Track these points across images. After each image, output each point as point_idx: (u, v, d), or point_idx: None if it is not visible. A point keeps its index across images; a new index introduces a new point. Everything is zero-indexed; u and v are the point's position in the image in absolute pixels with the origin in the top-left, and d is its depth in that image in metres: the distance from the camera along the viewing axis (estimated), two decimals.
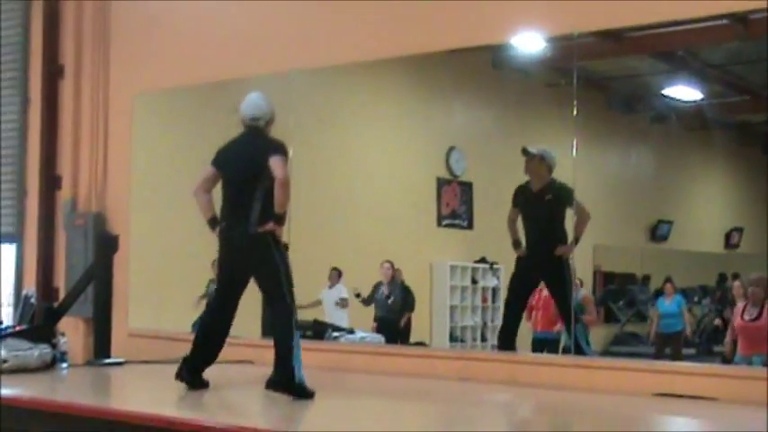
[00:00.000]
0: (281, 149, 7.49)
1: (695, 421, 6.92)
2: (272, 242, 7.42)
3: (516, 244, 9.09)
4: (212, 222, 7.68)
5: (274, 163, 7.37)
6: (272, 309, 7.61)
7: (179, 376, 7.67)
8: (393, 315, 10.54)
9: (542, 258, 8.97)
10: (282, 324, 7.39)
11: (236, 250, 7.57)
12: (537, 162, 9.06)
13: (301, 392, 7.22)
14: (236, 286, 7.72)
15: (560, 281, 8.81)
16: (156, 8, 10.91)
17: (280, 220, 7.41)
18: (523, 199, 9.14)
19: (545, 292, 9.22)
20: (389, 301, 10.54)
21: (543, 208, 9.06)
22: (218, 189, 7.77)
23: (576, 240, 8.75)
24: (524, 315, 9.33)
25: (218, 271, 7.79)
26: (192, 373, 7.66)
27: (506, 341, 9.18)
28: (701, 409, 7.00)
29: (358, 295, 10.61)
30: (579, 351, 8.53)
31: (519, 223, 9.10)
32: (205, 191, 7.79)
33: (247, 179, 7.52)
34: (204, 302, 10.00)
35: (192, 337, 9.91)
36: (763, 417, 6.17)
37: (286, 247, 7.58)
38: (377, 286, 10.65)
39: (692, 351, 9.74)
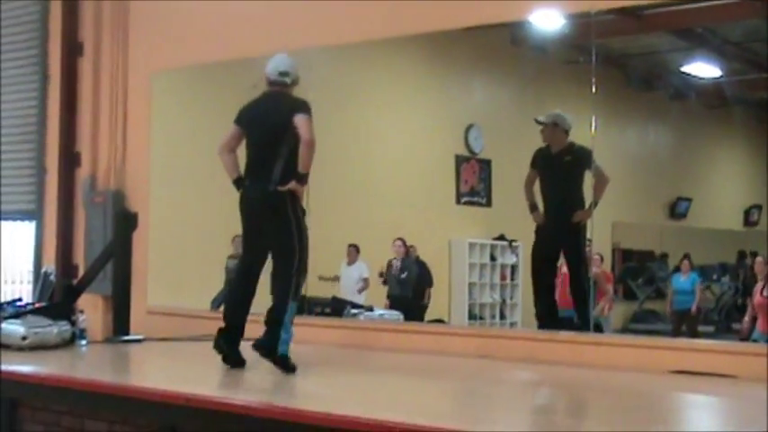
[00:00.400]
0: (305, 108, 7.44)
1: (713, 399, 6.90)
2: (289, 201, 7.37)
3: (533, 207, 9.05)
4: (237, 182, 7.64)
5: (300, 122, 7.34)
6: (276, 273, 7.55)
7: (217, 346, 7.63)
8: (406, 292, 10.55)
9: (560, 225, 8.92)
10: (281, 290, 7.38)
11: (255, 208, 7.54)
12: (551, 129, 9.05)
13: (283, 365, 7.22)
14: (258, 248, 7.65)
15: (575, 250, 8.79)
16: None
17: (302, 179, 7.38)
18: (542, 161, 9.10)
19: (564, 269, 9.20)
20: (402, 277, 10.54)
21: (562, 169, 9.02)
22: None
23: (595, 204, 8.69)
24: None
25: (243, 231, 7.73)
26: (229, 345, 7.60)
27: (547, 317, 8.98)
28: (719, 386, 6.98)
29: (381, 274, 10.62)
30: (598, 328, 8.54)
31: (536, 188, 9.06)
32: (229, 150, 7.76)
33: (271, 137, 7.49)
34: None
35: (212, 314, 10.02)
36: None
37: (303, 211, 7.53)
38: (389, 264, 10.66)
39: (710, 329, 9.74)
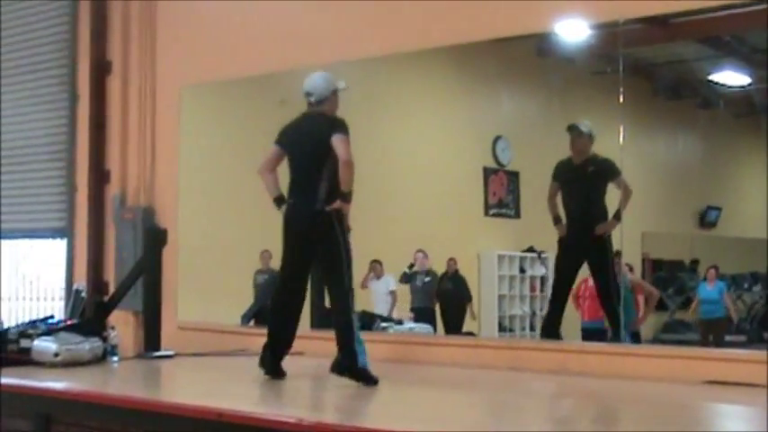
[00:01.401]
0: (342, 128, 7.54)
1: (745, 409, 6.86)
2: (336, 220, 7.49)
3: (556, 220, 9.06)
4: (278, 201, 7.77)
5: (337, 142, 7.44)
6: (330, 290, 7.68)
7: (262, 363, 7.75)
8: (428, 303, 10.55)
9: (583, 237, 8.92)
10: (341, 306, 7.47)
11: (301, 227, 7.64)
12: (586, 139, 9.04)
13: (365, 378, 7.28)
14: (303, 265, 7.79)
15: (602, 262, 8.78)
16: (201, 1, 10.95)
17: (346, 198, 7.49)
18: (564, 172, 9.10)
19: (591, 282, 9.18)
20: (423, 288, 10.55)
21: (585, 181, 9.01)
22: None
23: (618, 217, 8.69)
24: (572, 303, 9.31)
25: (284, 250, 7.81)
26: (273, 361, 7.73)
27: (550, 329, 9.17)
28: (751, 396, 6.95)
29: (404, 277, 10.65)
30: (635, 340, 8.52)
31: (559, 200, 9.06)
32: (270, 170, 7.89)
33: (312, 158, 7.60)
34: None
35: (242, 329, 10.05)
36: None
37: (348, 228, 7.63)
38: (413, 276, 10.66)
39: (742, 338, 9.68)
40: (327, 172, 7.53)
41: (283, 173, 7.89)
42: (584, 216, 8.94)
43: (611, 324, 8.70)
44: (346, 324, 7.39)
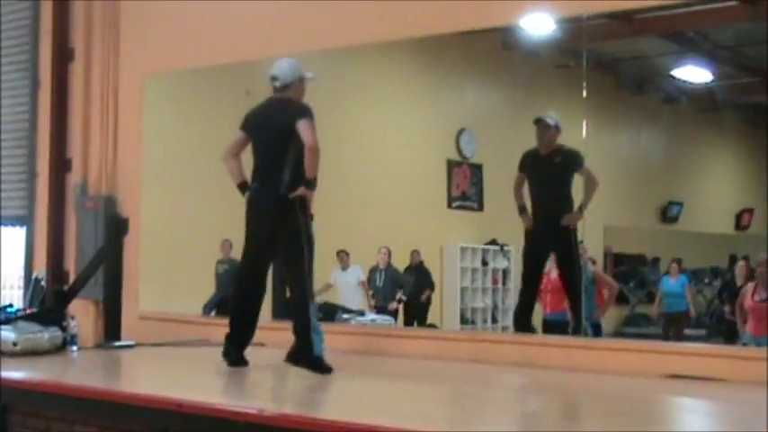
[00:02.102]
0: (307, 113, 7.53)
1: (705, 402, 6.90)
2: (299, 207, 7.45)
3: (522, 209, 9.07)
4: (242, 187, 7.73)
5: (302, 127, 7.42)
6: (289, 279, 7.66)
7: (226, 354, 7.71)
8: (386, 303, 10.57)
9: (550, 228, 8.93)
10: (298, 294, 7.45)
11: (264, 213, 7.60)
12: (553, 130, 9.05)
13: (319, 367, 7.25)
14: (265, 252, 7.75)
15: (567, 254, 8.80)
16: None
17: (310, 185, 7.45)
18: (531, 162, 9.11)
19: (554, 275, 9.21)
20: (379, 285, 10.58)
21: (552, 171, 9.02)
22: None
23: (583, 207, 8.71)
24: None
25: (246, 235, 7.77)
26: (236, 350, 7.70)
27: (523, 321, 9.17)
28: (710, 389, 6.99)
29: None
30: (596, 331, 8.55)
31: (525, 191, 9.08)
32: (234, 156, 7.85)
33: (277, 144, 7.57)
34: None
35: (203, 319, 10.02)
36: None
37: (311, 216, 7.59)
38: (372, 272, 10.67)
39: (702, 332, 9.75)
40: (292, 157, 7.49)
41: (247, 160, 7.85)
42: (551, 206, 8.96)
43: (573, 315, 8.71)
44: (303, 312, 7.36)
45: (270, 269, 7.91)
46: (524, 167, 9.13)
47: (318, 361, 7.29)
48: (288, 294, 7.89)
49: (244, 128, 7.86)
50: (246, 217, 7.71)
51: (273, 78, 7.77)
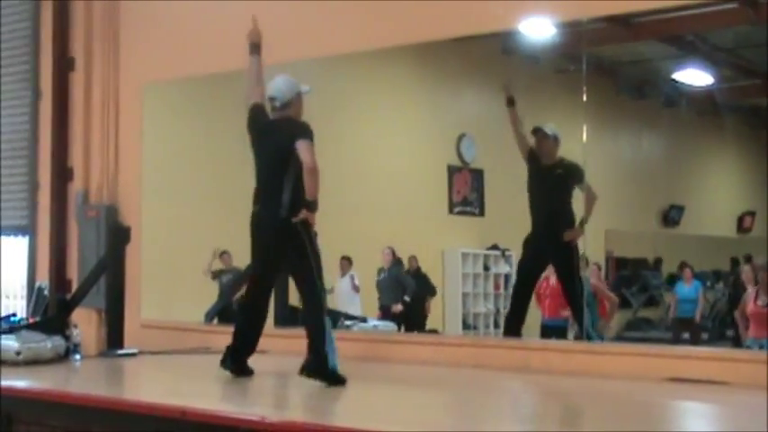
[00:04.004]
0: (306, 133, 7.49)
1: (707, 406, 6.90)
2: (303, 229, 7.41)
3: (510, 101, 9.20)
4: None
5: (301, 147, 7.39)
6: (302, 295, 7.64)
7: (223, 364, 7.72)
8: (390, 302, 10.58)
9: (550, 242, 8.93)
10: (313, 310, 7.43)
11: (268, 237, 7.59)
12: (551, 142, 9.06)
13: (333, 379, 7.24)
14: (270, 271, 7.78)
15: (568, 267, 8.79)
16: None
17: (311, 206, 7.42)
18: (534, 167, 9.10)
19: (552, 280, 9.22)
20: (385, 287, 10.58)
21: (552, 182, 9.01)
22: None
23: (584, 222, 8.72)
24: (534, 302, 9.32)
25: (252, 256, 7.81)
26: (236, 362, 7.71)
27: (512, 327, 9.19)
28: (712, 393, 6.99)
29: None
30: (591, 338, 8.54)
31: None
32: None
33: (276, 163, 7.54)
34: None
35: (206, 327, 10.02)
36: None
37: (315, 234, 7.57)
38: (379, 273, 10.67)
39: (704, 335, 9.75)
40: (291, 178, 7.47)
41: (248, 176, 7.84)
42: (551, 219, 8.95)
43: (577, 324, 8.70)
44: (318, 326, 7.35)
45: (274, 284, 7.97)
46: (528, 161, 9.11)
47: (334, 374, 7.29)
48: (292, 302, 7.89)
49: (250, 128, 7.88)
50: (251, 239, 7.73)
51: (272, 99, 7.75)
